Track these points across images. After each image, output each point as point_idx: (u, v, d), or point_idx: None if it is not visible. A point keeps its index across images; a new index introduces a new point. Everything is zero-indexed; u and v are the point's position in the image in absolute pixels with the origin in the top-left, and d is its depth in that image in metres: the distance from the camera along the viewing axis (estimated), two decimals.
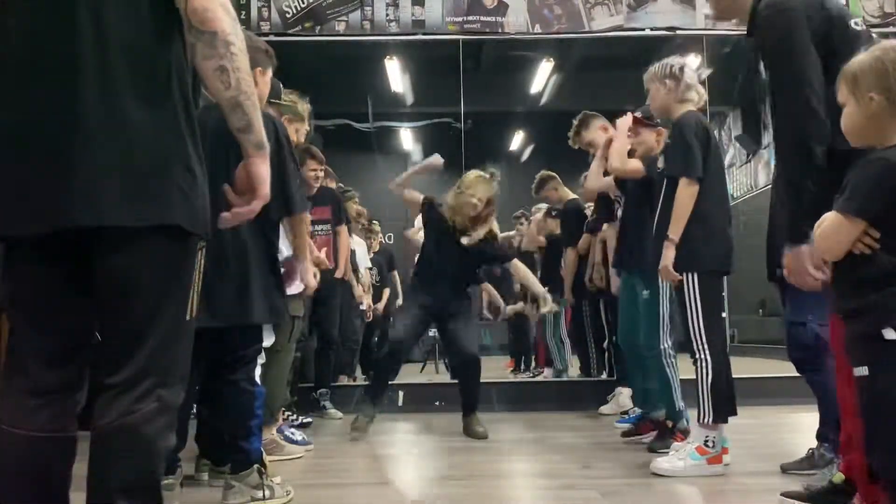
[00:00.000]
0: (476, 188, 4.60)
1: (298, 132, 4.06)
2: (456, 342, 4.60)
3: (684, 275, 3.37)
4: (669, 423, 3.90)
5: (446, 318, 4.61)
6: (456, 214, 4.63)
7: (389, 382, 4.81)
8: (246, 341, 2.92)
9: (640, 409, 4.46)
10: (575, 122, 4.76)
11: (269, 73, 3.13)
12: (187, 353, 1.67)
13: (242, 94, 1.61)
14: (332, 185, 5.42)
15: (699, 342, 3.34)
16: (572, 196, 5.80)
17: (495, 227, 4.76)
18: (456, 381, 4.85)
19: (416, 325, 4.67)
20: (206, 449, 3.32)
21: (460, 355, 4.63)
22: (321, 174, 4.91)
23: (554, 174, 5.95)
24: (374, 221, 7.95)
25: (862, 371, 1.96)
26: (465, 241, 4.61)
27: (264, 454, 3.05)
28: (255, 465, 2.84)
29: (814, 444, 3.21)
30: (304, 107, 4.09)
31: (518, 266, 4.94)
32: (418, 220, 5.16)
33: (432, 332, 9.63)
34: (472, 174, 4.71)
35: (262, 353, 2.96)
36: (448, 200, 4.69)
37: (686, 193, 3.38)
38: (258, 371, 2.96)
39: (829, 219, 1.99)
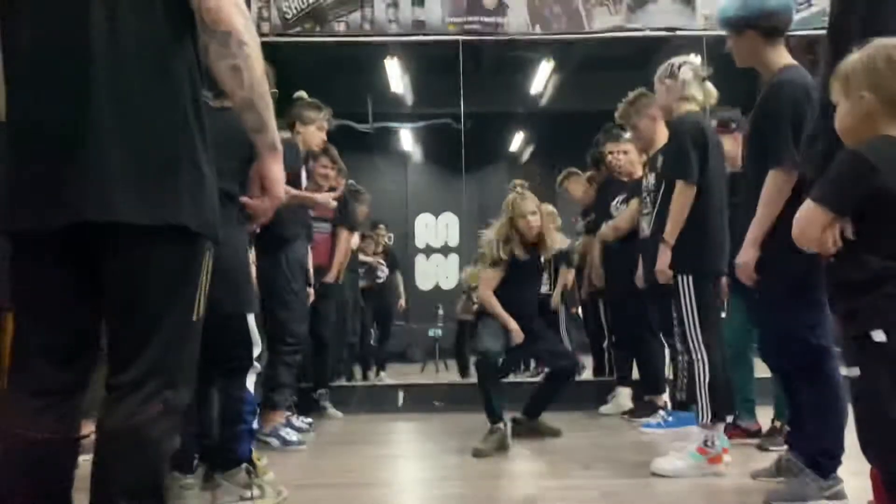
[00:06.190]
0: (520, 209, 4.36)
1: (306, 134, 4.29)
2: (555, 352, 4.62)
3: (678, 276, 3.37)
4: (778, 424, 3.80)
5: (534, 338, 4.47)
6: (524, 243, 4.39)
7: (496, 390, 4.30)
8: (238, 348, 2.84)
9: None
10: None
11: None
12: (194, 355, 1.67)
13: (256, 95, 1.63)
14: (341, 183, 5.40)
15: (695, 343, 3.35)
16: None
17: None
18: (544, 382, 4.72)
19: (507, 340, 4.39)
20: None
21: (564, 360, 4.56)
22: (331, 173, 4.98)
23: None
24: (380, 226, 7.95)
25: (854, 371, 1.97)
26: (544, 256, 4.59)
27: (255, 456, 3.03)
28: (244, 465, 2.83)
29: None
30: (322, 113, 4.22)
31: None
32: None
33: (432, 333, 9.75)
34: (506, 202, 4.43)
35: (256, 363, 2.89)
36: (503, 238, 4.38)
37: (682, 197, 3.39)
38: (252, 379, 2.90)
39: (803, 205, 2.00)
